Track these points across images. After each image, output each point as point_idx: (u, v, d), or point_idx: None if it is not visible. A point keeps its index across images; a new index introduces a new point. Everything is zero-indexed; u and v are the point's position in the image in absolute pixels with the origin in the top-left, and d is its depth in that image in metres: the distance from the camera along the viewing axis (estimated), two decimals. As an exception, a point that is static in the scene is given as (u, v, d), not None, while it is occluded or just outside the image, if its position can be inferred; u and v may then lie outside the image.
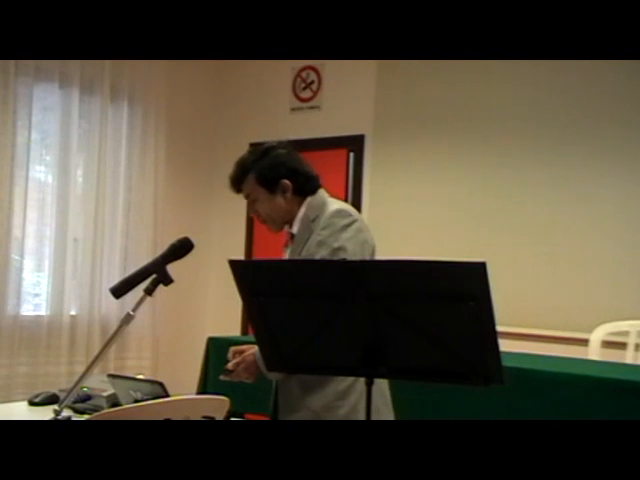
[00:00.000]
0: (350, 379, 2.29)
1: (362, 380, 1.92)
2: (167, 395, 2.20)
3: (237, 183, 2.51)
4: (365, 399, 2.24)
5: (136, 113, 5.76)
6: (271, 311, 1.83)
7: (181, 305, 5.88)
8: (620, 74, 4.62)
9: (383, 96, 5.63)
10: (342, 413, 2.30)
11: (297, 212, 2.45)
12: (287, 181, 2.43)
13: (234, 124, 6.39)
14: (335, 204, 2.41)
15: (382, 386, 2.35)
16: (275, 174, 2.43)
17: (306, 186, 2.45)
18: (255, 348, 2.34)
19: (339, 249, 2.28)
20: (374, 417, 2.27)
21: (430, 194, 5.37)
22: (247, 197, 2.52)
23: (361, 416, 2.25)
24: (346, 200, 5.75)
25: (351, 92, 5.79)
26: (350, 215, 2.36)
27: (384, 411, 2.35)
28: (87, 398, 2.43)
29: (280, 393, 2.41)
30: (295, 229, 2.45)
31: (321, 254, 2.28)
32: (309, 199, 2.45)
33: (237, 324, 5.96)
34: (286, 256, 2.55)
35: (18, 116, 5.09)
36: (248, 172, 2.47)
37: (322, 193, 2.48)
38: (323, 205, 2.41)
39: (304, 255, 2.38)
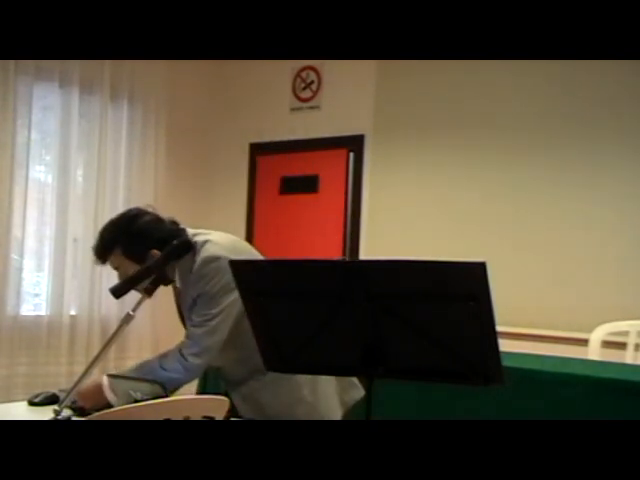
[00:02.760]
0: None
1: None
2: (167, 395, 2.20)
3: (102, 257, 2.46)
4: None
5: (136, 113, 5.77)
6: (271, 311, 1.83)
7: (181, 305, 5.88)
8: (623, 73, 4.62)
9: (383, 96, 5.63)
10: (310, 401, 2.40)
11: (172, 270, 2.41)
12: (156, 251, 2.37)
13: (234, 124, 6.39)
14: (203, 251, 2.35)
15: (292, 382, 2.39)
16: (143, 248, 2.37)
17: (176, 251, 2.37)
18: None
19: (215, 295, 2.32)
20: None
21: (430, 194, 5.38)
22: (114, 268, 2.46)
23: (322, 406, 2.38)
24: (346, 200, 5.75)
25: (351, 92, 5.79)
26: (217, 258, 2.32)
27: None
28: (87, 398, 2.43)
29: (232, 391, 2.46)
30: (178, 283, 2.43)
31: (203, 302, 2.32)
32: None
33: (237, 324, 5.96)
34: (184, 311, 2.51)
35: (18, 115, 5.10)
36: (113, 247, 2.42)
37: (189, 240, 2.40)
38: (193, 256, 2.36)
39: (189, 306, 2.39)
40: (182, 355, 2.35)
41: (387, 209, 5.56)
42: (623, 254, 4.62)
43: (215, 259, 2.33)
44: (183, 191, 6.21)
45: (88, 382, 2.35)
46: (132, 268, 2.38)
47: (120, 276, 2.44)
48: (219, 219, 6.27)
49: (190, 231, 2.46)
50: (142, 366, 2.41)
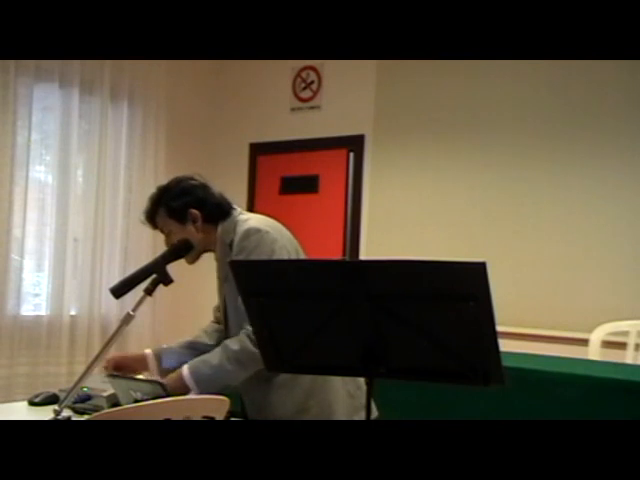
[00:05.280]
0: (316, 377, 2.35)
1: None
2: (167, 395, 2.20)
3: (151, 219, 2.50)
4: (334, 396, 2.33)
5: (136, 113, 5.77)
6: (271, 311, 1.83)
7: (181, 305, 5.88)
8: (622, 72, 4.62)
9: (383, 96, 5.63)
10: (314, 413, 2.35)
11: (214, 239, 2.45)
12: (195, 210, 2.43)
13: (234, 124, 6.39)
14: (245, 224, 2.40)
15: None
16: (182, 204, 2.43)
17: (215, 213, 2.45)
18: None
19: None
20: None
21: (430, 194, 5.38)
22: (162, 231, 2.51)
23: (334, 414, 2.35)
24: (346, 200, 5.75)
25: (351, 92, 5.79)
26: (258, 231, 2.36)
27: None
28: (87, 398, 2.43)
29: (244, 394, 2.45)
30: (218, 256, 2.47)
31: None
32: (221, 224, 2.45)
33: (237, 324, 5.95)
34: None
35: (18, 116, 5.10)
36: (158, 207, 2.47)
37: (234, 215, 2.47)
38: (235, 227, 2.41)
39: (230, 280, 2.35)
40: (248, 330, 2.31)
41: (387, 209, 5.56)
42: (623, 254, 4.62)
43: (256, 231, 2.35)
44: (183, 191, 6.20)
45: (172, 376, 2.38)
46: (176, 229, 2.44)
47: (167, 242, 2.48)
48: (219, 219, 6.26)
49: (238, 209, 2.51)
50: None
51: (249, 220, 2.43)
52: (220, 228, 2.44)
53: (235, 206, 2.52)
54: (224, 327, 2.51)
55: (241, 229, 2.39)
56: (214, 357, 2.36)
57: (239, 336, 2.36)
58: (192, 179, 2.52)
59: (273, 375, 2.34)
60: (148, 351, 2.63)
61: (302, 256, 2.48)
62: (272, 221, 2.50)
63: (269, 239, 2.35)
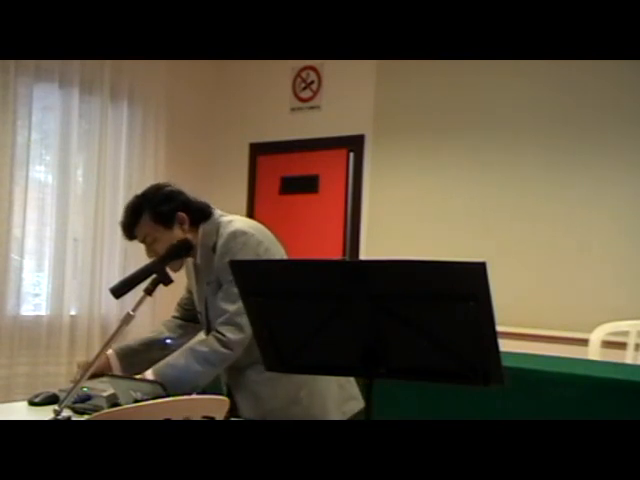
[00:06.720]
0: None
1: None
2: (167, 395, 2.20)
3: (130, 228, 2.45)
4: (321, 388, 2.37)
5: (136, 113, 5.77)
6: (271, 311, 1.83)
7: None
8: (623, 71, 4.62)
9: (383, 96, 5.63)
10: (305, 404, 2.39)
11: (197, 242, 2.45)
12: (182, 213, 2.43)
13: (234, 124, 6.39)
14: (229, 227, 2.41)
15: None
16: (170, 208, 2.42)
17: (199, 215, 2.45)
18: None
19: None
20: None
21: (430, 194, 5.38)
22: (143, 240, 2.46)
23: (324, 406, 2.39)
24: (346, 200, 5.76)
25: (351, 92, 5.79)
26: (244, 233, 2.37)
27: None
28: (87, 398, 2.43)
29: (235, 390, 2.46)
30: (198, 259, 2.47)
31: (230, 279, 2.24)
32: (202, 226, 2.44)
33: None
34: (193, 286, 2.58)
35: (18, 116, 5.10)
36: (142, 213, 2.43)
37: (215, 216, 2.47)
38: (218, 229, 2.42)
39: (213, 282, 2.41)
40: (218, 332, 2.34)
41: (387, 209, 5.56)
42: (623, 255, 4.62)
43: (242, 233, 2.37)
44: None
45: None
46: (162, 235, 2.41)
47: (148, 247, 2.46)
48: (219, 219, 6.26)
49: (218, 211, 2.50)
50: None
51: (233, 222, 2.43)
52: (201, 231, 2.44)
53: (214, 207, 2.52)
54: (205, 329, 2.51)
55: (226, 231, 2.39)
56: (179, 359, 2.37)
57: (207, 339, 2.38)
58: (168, 185, 2.52)
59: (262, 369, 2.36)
60: (110, 351, 2.61)
61: (286, 258, 2.50)
62: (255, 223, 2.52)
63: (254, 241, 2.37)
